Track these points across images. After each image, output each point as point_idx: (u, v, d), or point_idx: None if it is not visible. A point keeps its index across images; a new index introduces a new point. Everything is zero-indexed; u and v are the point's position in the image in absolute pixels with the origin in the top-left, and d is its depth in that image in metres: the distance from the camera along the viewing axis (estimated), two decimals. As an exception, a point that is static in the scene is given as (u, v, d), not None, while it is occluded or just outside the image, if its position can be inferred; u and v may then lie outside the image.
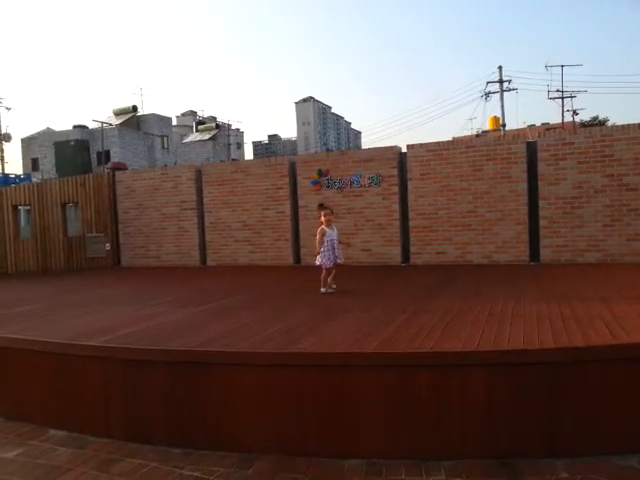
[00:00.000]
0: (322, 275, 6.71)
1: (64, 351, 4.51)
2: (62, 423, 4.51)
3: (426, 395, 3.63)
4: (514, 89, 38.00)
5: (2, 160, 37.26)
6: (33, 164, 41.53)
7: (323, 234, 6.60)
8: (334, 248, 6.59)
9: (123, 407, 4.29)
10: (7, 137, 37.59)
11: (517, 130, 41.39)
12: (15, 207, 12.66)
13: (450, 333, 4.19)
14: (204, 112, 67.57)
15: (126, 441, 4.16)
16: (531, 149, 9.20)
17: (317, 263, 6.72)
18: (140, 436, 4.16)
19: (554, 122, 49.76)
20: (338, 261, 6.67)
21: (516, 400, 3.56)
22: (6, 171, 34.76)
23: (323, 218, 6.67)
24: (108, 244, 12.17)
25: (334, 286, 6.72)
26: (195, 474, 3.58)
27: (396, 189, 9.93)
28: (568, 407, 3.54)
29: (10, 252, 12.48)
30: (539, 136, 11.10)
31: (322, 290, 6.64)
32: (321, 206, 6.92)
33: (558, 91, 42.67)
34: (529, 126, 50.90)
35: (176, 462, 3.77)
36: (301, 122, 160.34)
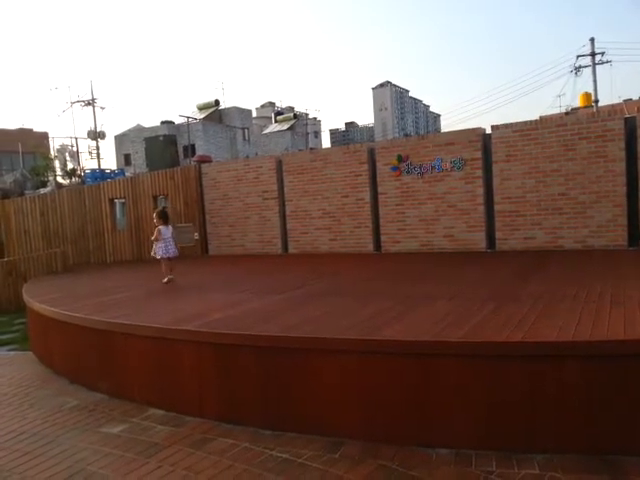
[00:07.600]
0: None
1: (161, 335, 4.78)
2: (160, 403, 4.80)
3: (518, 386, 3.51)
4: (608, 62, 35.36)
5: (98, 156, 39.94)
6: (125, 159, 44.13)
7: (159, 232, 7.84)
8: (168, 244, 7.81)
9: (215, 389, 4.50)
10: (102, 135, 40.17)
11: (611, 105, 38.54)
12: (111, 200, 13.57)
13: (542, 322, 4.00)
14: (282, 102, 68.75)
15: (219, 421, 4.36)
16: (630, 125, 8.53)
17: (156, 256, 7.90)
18: (232, 417, 4.35)
19: (655, 95, 45.71)
20: (171, 254, 7.88)
21: (619, 393, 3.35)
22: (102, 167, 37.26)
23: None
24: (196, 233, 12.73)
25: (171, 276, 7.80)
26: (284, 455, 3.68)
27: (480, 172, 9.59)
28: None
29: (108, 242, 13.40)
30: (638, 111, 10.26)
31: (163, 280, 7.75)
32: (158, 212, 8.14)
33: (659, 61, 39.10)
34: (625, 101, 47.13)
35: (266, 443, 3.90)
36: (378, 108, 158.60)
